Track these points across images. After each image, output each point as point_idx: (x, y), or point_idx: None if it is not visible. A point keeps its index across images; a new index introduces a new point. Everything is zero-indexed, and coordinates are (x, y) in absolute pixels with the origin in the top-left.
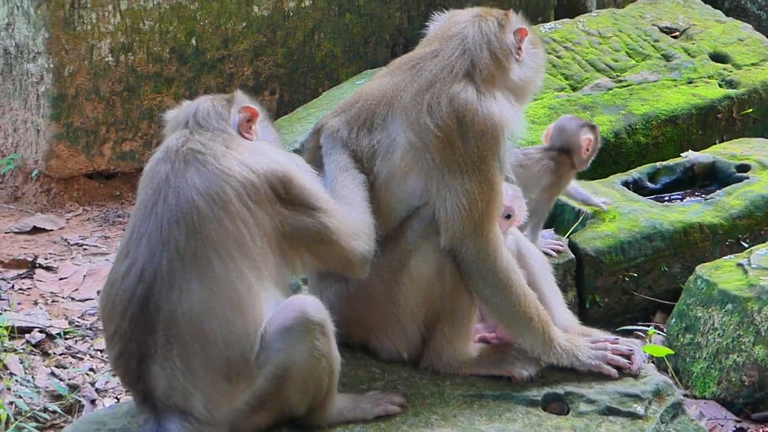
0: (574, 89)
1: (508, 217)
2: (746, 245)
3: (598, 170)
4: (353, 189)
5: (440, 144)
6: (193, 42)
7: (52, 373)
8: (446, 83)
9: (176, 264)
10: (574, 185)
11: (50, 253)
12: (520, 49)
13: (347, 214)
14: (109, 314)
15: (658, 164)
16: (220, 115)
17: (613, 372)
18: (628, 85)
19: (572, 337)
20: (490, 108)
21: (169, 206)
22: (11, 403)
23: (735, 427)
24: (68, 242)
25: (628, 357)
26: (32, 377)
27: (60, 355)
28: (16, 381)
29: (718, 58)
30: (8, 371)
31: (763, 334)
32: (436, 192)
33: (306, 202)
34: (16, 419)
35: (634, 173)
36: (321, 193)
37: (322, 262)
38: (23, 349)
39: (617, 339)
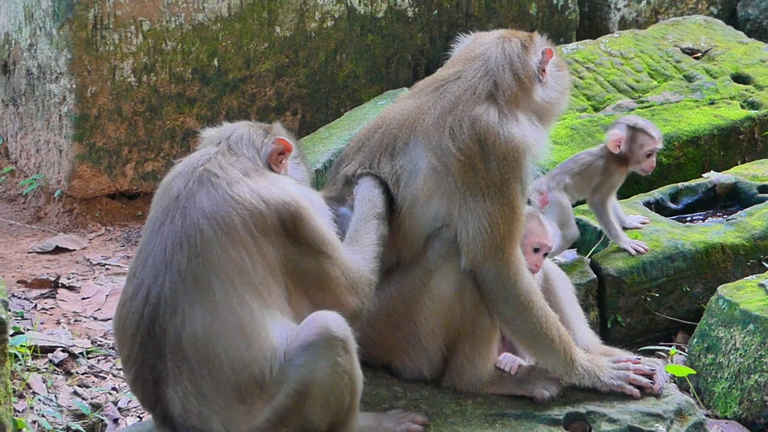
0: (596, 110)
1: (545, 254)
2: None
3: (621, 191)
4: (368, 241)
5: (462, 167)
6: (216, 63)
7: (75, 393)
8: (468, 105)
9: (178, 287)
10: (615, 205)
11: (73, 273)
12: (544, 71)
13: (352, 265)
14: (121, 337)
15: (680, 185)
16: (252, 143)
17: (635, 392)
18: (650, 106)
19: (594, 357)
20: (512, 131)
21: (175, 227)
22: (34, 422)
23: None
24: (90, 262)
25: (650, 377)
26: (55, 396)
27: (83, 374)
28: (39, 400)
29: (740, 79)
30: (31, 390)
31: None
32: (458, 215)
33: (313, 243)
34: None
35: (656, 194)
36: (330, 238)
37: (314, 304)
38: (46, 368)
39: (639, 359)
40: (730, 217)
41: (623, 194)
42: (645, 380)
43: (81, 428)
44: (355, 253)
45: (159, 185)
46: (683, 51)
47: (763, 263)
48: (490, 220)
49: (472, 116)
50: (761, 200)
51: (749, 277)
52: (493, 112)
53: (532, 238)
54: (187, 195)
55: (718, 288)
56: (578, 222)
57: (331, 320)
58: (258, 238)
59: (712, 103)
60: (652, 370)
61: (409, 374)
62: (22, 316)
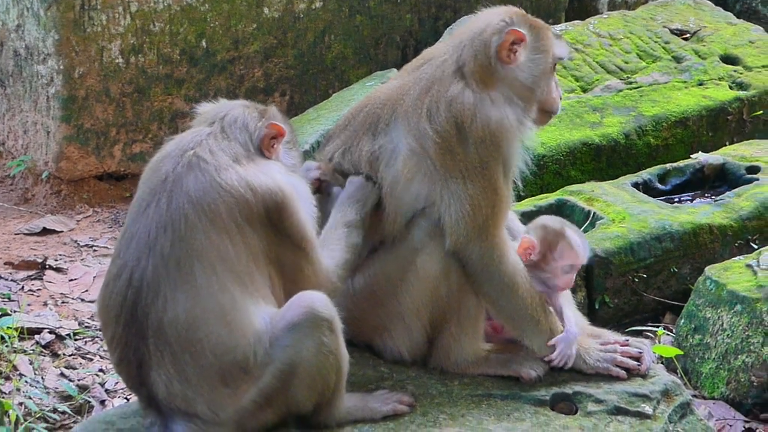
0: (584, 90)
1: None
2: (756, 246)
3: (609, 171)
4: (339, 247)
5: (440, 150)
6: (204, 44)
7: (62, 374)
8: (443, 85)
9: (161, 271)
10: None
11: (60, 255)
12: (514, 52)
13: (323, 268)
14: (105, 318)
15: (668, 165)
16: (246, 127)
17: (622, 374)
18: (638, 87)
19: (581, 339)
20: (488, 113)
21: (161, 210)
22: (21, 403)
23: (744, 427)
24: (78, 244)
25: (637, 359)
26: (42, 378)
27: (69, 356)
28: (26, 382)
29: (728, 60)
30: (18, 372)
31: None
32: (440, 197)
33: (293, 237)
34: (26, 420)
35: (644, 174)
36: (310, 236)
37: (288, 296)
38: (33, 350)
39: (627, 340)
40: (718, 197)
41: (612, 176)
42: (632, 362)
43: (68, 410)
44: (328, 257)
45: (148, 163)
46: (672, 32)
47: (751, 244)
48: (472, 203)
49: (447, 97)
50: (749, 181)
51: (737, 258)
52: (468, 94)
53: (563, 262)
54: (175, 178)
55: (706, 269)
56: (565, 203)
57: (317, 300)
58: (242, 226)
59: (701, 84)
60: (640, 351)
61: (389, 353)
62: (9, 298)
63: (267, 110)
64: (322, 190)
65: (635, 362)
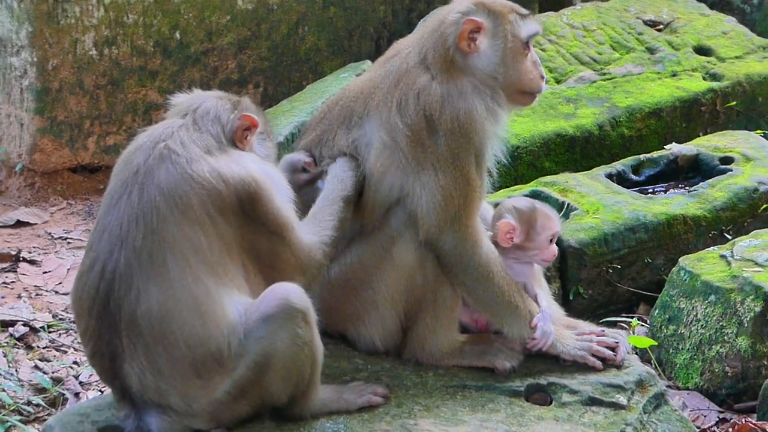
0: (558, 82)
1: (551, 241)
2: (729, 237)
3: (582, 163)
4: (328, 224)
5: (411, 143)
6: (177, 35)
7: (36, 367)
8: (410, 78)
9: (133, 263)
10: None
11: (34, 247)
12: (474, 40)
13: (305, 247)
14: (78, 310)
15: (642, 156)
16: (218, 119)
17: (598, 364)
18: (612, 78)
19: (557, 328)
20: (456, 105)
21: (132, 203)
22: None
23: (718, 417)
24: (52, 236)
25: (613, 349)
26: (16, 370)
27: (44, 348)
28: (0, 374)
29: (702, 51)
30: None
31: (745, 325)
32: (411, 189)
33: (268, 224)
34: None
35: (618, 165)
36: (286, 220)
37: (267, 282)
38: (7, 342)
39: (603, 331)
40: (691, 188)
41: (585, 167)
42: (608, 352)
43: (42, 402)
44: (312, 234)
45: (120, 155)
46: (645, 23)
47: (725, 234)
48: (444, 193)
49: (415, 90)
50: (723, 172)
51: (711, 249)
52: (435, 86)
53: (546, 233)
54: (146, 171)
55: (680, 259)
56: (540, 194)
57: (291, 291)
58: (215, 217)
59: (674, 75)
60: (616, 342)
61: (363, 343)
62: None
63: (240, 101)
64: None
65: (611, 352)
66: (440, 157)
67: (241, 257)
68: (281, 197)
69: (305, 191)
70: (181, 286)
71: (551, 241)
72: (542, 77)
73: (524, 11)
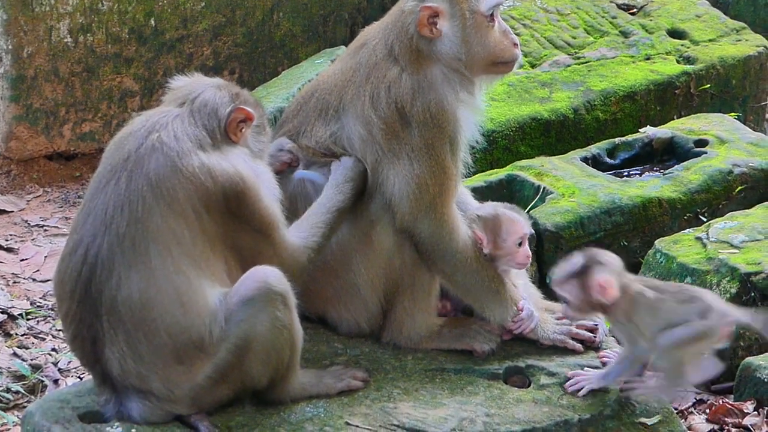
0: (533, 66)
1: (520, 244)
2: (704, 219)
3: (558, 146)
4: (317, 231)
5: (386, 135)
6: (152, 22)
7: (15, 354)
8: (381, 71)
9: (116, 249)
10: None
11: (11, 235)
12: (433, 25)
13: (288, 247)
14: (60, 293)
15: (617, 140)
16: (215, 112)
17: (578, 347)
18: (586, 62)
19: (538, 311)
20: (427, 96)
21: (119, 189)
22: None
23: (695, 398)
24: (29, 223)
25: (591, 331)
26: None
27: (22, 335)
28: None
29: (675, 34)
30: None
31: None
32: (386, 177)
33: (253, 223)
34: None
35: (593, 149)
36: (271, 219)
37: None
38: None
39: None
40: (666, 171)
41: (561, 150)
42: (587, 335)
43: (21, 389)
44: (299, 237)
45: (113, 139)
46: (619, 7)
47: (700, 217)
48: (418, 182)
49: (386, 84)
50: (697, 154)
51: (686, 231)
52: (405, 78)
53: (513, 237)
54: (137, 159)
55: (656, 242)
56: (515, 178)
57: (271, 275)
58: (200, 212)
59: (648, 59)
60: (595, 325)
61: (345, 326)
62: None
63: (239, 94)
64: (292, 165)
65: (591, 335)
66: (415, 147)
67: (223, 253)
68: (268, 196)
69: (287, 179)
70: (162, 275)
71: (520, 244)
72: (515, 44)
73: None
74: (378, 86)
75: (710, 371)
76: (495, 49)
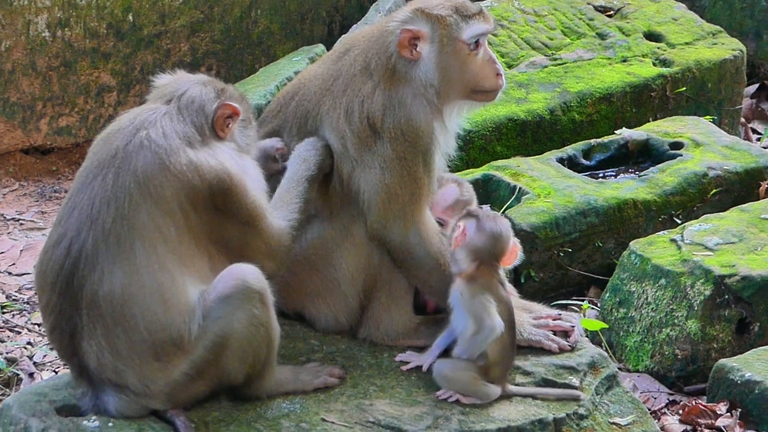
0: (510, 67)
1: (441, 224)
2: (679, 221)
3: (534, 147)
4: (294, 206)
5: (359, 149)
6: (130, 18)
7: None
8: (356, 85)
9: (100, 245)
10: None
11: None
12: (414, 47)
13: (275, 233)
14: (41, 284)
15: (593, 141)
16: (202, 109)
17: (554, 347)
18: (563, 63)
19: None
20: (398, 114)
21: (106, 185)
22: None
23: (668, 399)
24: (5, 217)
25: (567, 332)
26: None
27: None
28: None
29: (652, 37)
30: None
31: (695, 308)
32: (358, 187)
33: (240, 216)
34: None
35: (569, 150)
36: (258, 211)
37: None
38: None
39: (560, 314)
40: (642, 173)
41: (537, 151)
42: (563, 342)
43: None
44: (282, 218)
45: (99, 135)
46: (596, 9)
47: (675, 219)
48: (388, 191)
49: (360, 98)
50: (672, 157)
51: (661, 233)
52: (378, 94)
53: (444, 203)
54: (125, 155)
55: (630, 243)
56: (491, 178)
57: (248, 273)
58: (187, 210)
59: (625, 61)
60: (573, 325)
61: (324, 321)
62: None
63: (225, 89)
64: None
65: (566, 342)
66: (387, 158)
67: (208, 248)
68: (255, 190)
69: (277, 179)
70: (146, 272)
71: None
72: (498, 74)
73: (470, 11)
74: (353, 100)
75: None
76: (475, 77)
